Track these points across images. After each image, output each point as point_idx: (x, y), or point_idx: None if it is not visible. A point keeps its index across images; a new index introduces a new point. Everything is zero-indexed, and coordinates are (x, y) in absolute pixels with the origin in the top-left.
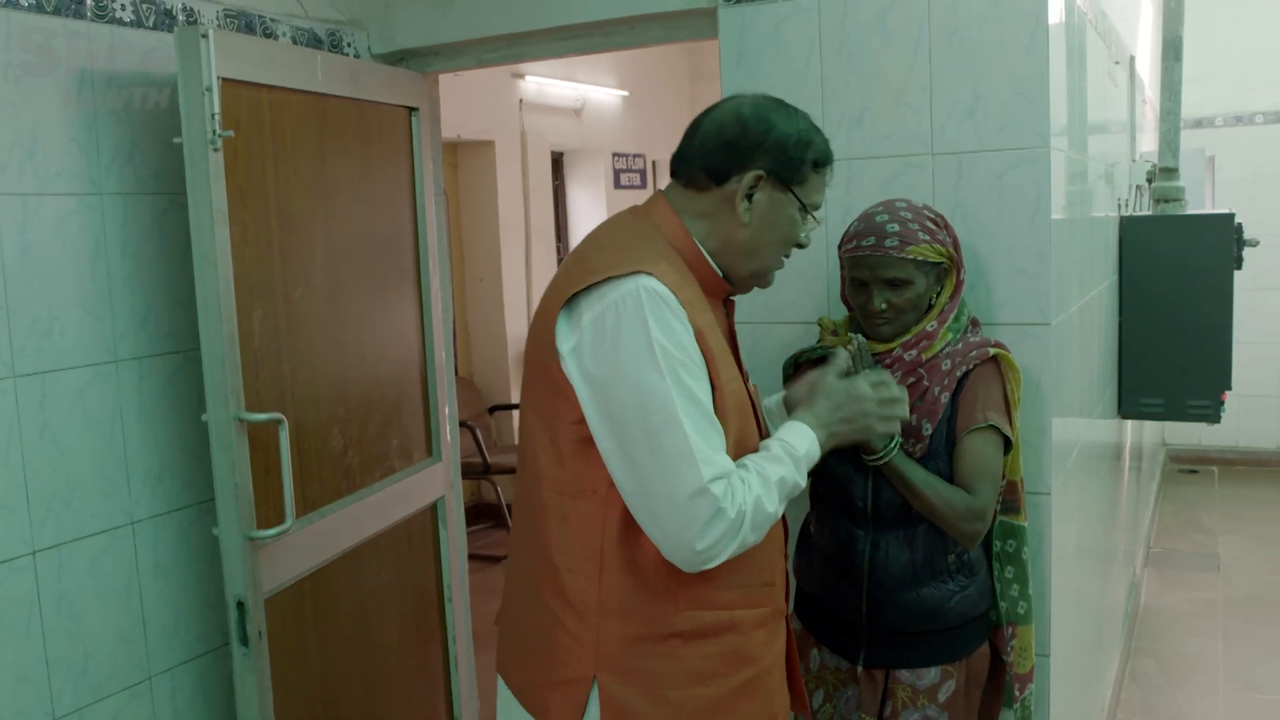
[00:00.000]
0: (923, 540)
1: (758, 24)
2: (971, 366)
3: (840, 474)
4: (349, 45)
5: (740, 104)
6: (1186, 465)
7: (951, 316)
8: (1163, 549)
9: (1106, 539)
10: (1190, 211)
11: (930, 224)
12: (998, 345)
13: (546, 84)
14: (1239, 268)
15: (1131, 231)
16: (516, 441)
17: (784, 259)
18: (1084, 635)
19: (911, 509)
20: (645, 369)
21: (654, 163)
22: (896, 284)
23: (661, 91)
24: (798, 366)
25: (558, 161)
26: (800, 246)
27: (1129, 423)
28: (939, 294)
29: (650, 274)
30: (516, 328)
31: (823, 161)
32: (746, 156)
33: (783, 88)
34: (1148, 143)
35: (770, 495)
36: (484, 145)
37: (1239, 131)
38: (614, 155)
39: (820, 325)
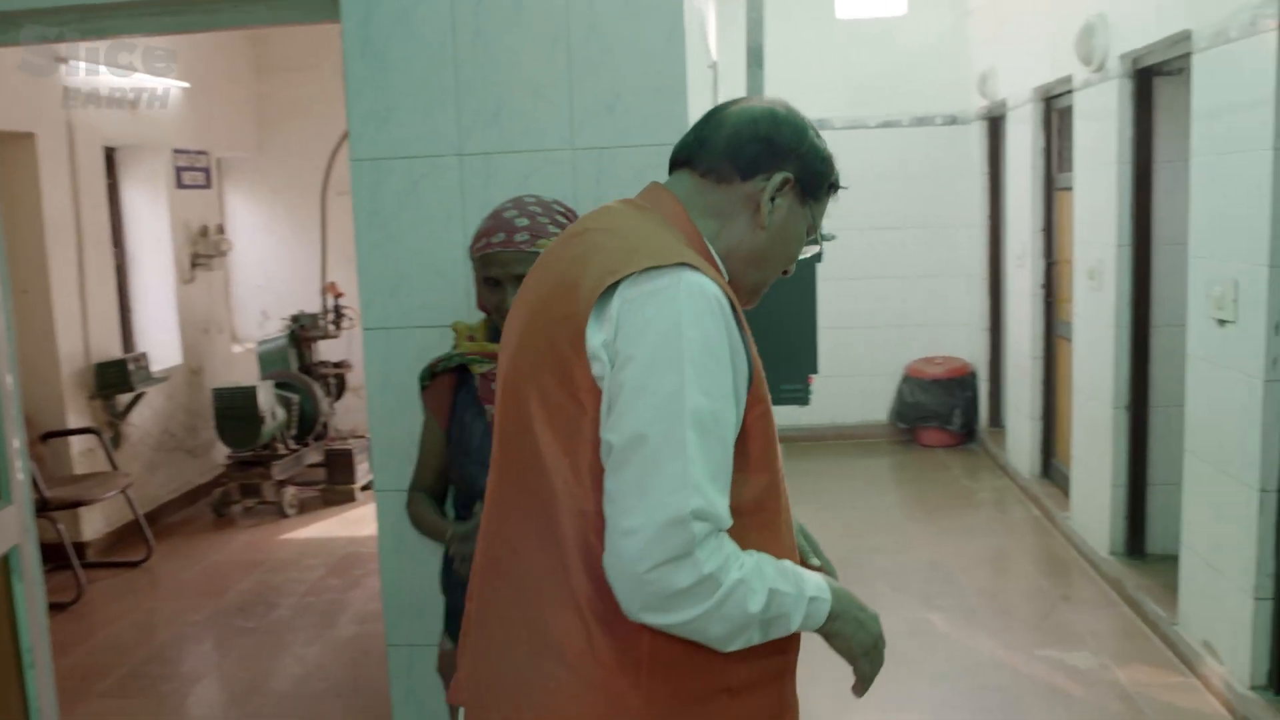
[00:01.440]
0: None
1: (385, 7)
2: None
3: (482, 485)
4: None
5: (772, 103)
6: None
7: None
8: None
9: None
10: None
11: (561, 218)
12: None
13: (95, 71)
14: (820, 260)
15: None
16: (498, 469)
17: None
18: None
19: None
20: (663, 364)
21: (219, 160)
22: None
23: (225, 84)
24: (434, 376)
25: (112, 158)
26: (785, 274)
27: None
28: None
29: (696, 269)
30: (71, 344)
31: (836, 185)
32: (780, 157)
33: (414, 77)
34: None
35: (758, 596)
36: (22, 138)
37: None
38: (175, 152)
39: (455, 330)
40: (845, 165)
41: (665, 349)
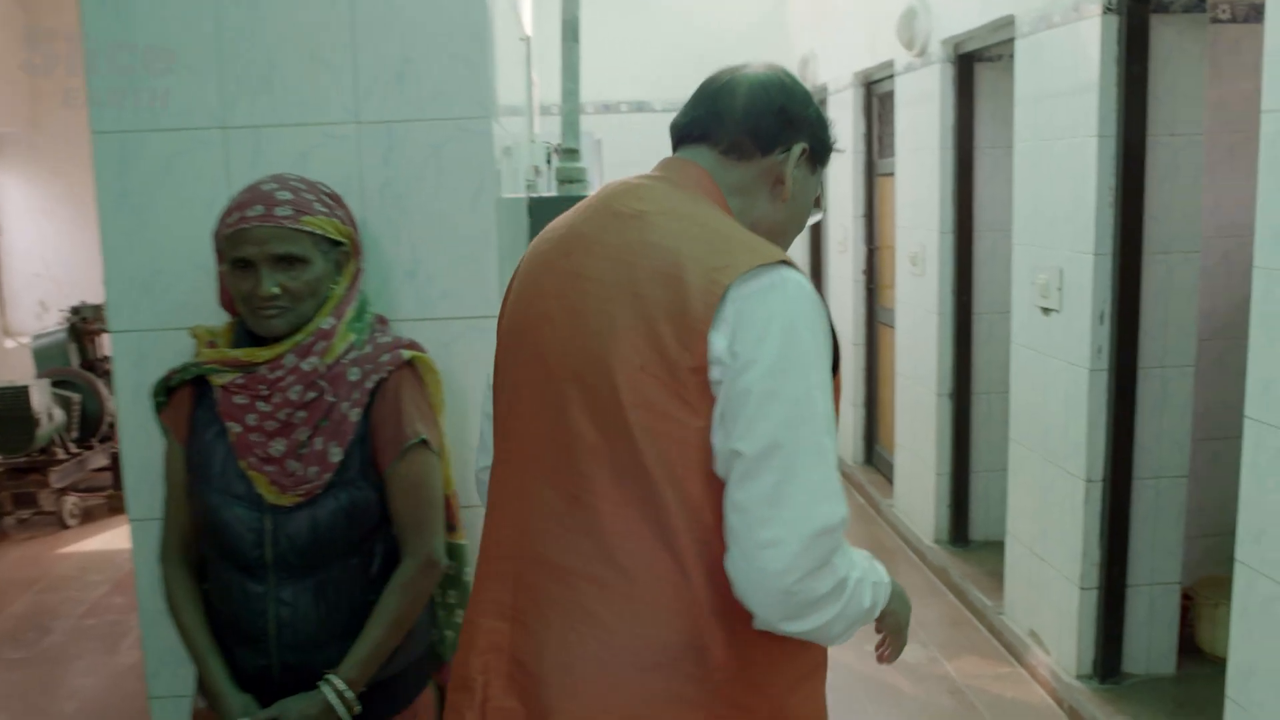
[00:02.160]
0: (335, 586)
1: None
2: (385, 375)
3: (225, 517)
4: None
5: (772, 69)
6: None
7: (350, 311)
8: None
9: None
10: None
11: (328, 199)
12: (411, 346)
13: None
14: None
15: (541, 214)
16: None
17: None
18: None
19: (321, 551)
20: (789, 368)
21: None
22: (292, 261)
23: None
24: (170, 391)
25: None
26: None
27: None
28: (335, 285)
29: (794, 267)
30: None
31: (835, 150)
32: (795, 128)
33: (167, 34)
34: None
35: (867, 591)
36: None
37: (610, 119)
38: None
39: (194, 336)
40: (667, 151)
41: (789, 352)
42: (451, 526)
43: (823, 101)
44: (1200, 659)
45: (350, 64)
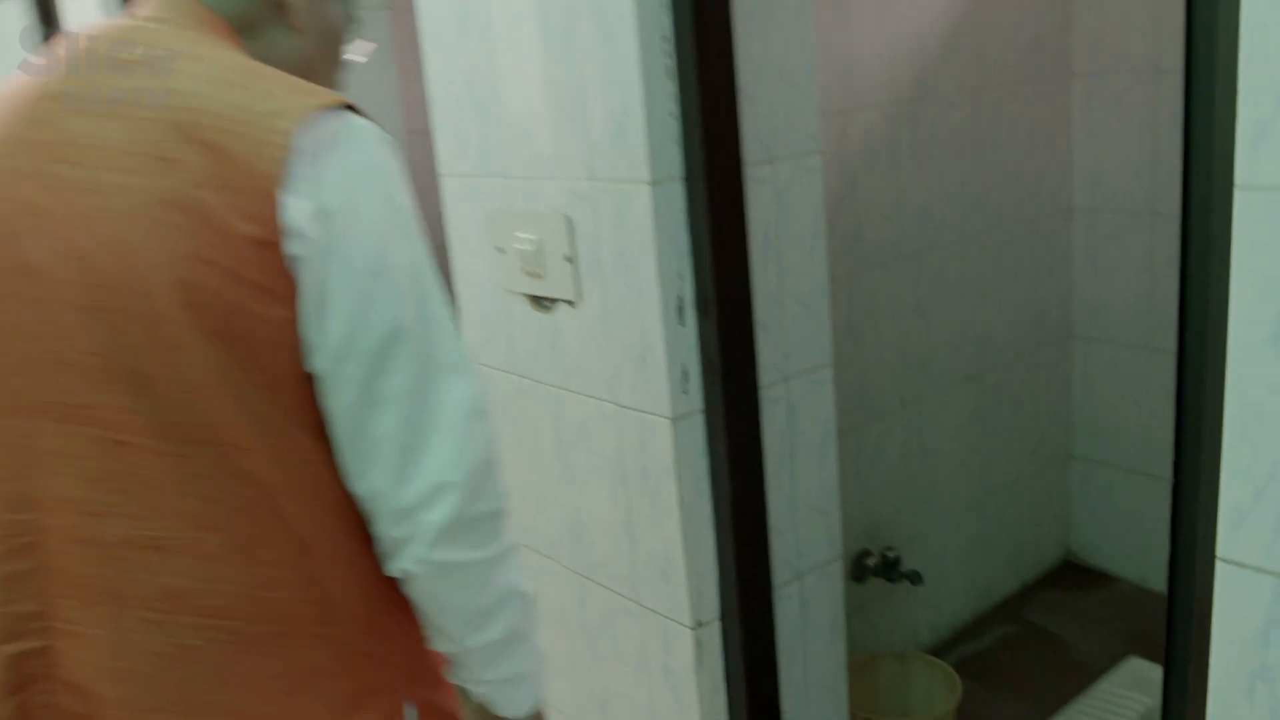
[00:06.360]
0: None
1: None
2: None
3: None
4: None
5: None
6: None
7: None
8: None
9: None
10: None
11: None
12: None
13: None
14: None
15: None
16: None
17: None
18: None
19: None
20: (411, 244)
21: None
22: None
23: None
24: None
25: None
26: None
27: None
28: None
29: (358, 111)
30: None
31: None
32: None
33: None
34: None
35: (523, 579)
36: None
37: None
38: None
39: None
40: None
41: (391, 217)
42: None
43: None
44: None
45: None
